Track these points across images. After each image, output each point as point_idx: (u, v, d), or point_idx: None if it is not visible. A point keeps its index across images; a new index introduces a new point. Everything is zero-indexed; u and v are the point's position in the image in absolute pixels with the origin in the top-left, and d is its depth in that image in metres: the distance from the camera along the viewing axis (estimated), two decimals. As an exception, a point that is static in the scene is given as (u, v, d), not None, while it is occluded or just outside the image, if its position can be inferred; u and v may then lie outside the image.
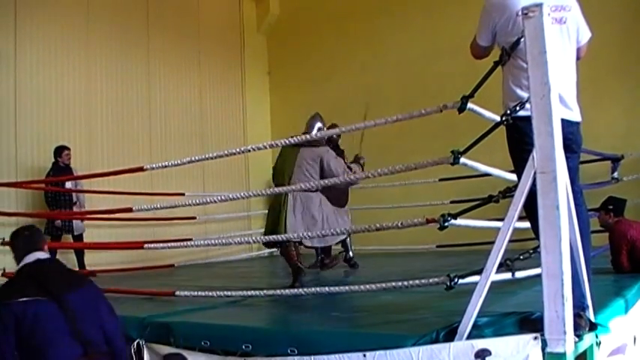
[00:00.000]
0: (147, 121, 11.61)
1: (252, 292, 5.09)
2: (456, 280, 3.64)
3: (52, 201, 9.10)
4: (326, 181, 5.19)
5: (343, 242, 8.16)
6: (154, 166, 6.69)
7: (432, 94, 9.84)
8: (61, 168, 9.17)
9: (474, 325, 2.99)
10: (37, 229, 3.86)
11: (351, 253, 8.20)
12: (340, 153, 8.38)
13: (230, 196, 5.42)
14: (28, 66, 9.75)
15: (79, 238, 9.36)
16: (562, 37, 3.54)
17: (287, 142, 5.34)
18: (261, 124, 14.19)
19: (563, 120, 2.99)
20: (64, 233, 9.20)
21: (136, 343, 4.11)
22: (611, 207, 6.29)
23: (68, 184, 9.24)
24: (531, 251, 3.46)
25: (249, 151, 5.35)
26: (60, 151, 9.28)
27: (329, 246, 7.28)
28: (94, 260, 9.52)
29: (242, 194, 5.54)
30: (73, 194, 9.31)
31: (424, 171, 5.05)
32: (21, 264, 3.51)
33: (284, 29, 14.29)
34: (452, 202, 9.16)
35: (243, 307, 5.01)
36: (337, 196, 7.22)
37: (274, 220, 6.49)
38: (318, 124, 7.18)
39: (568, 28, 3.59)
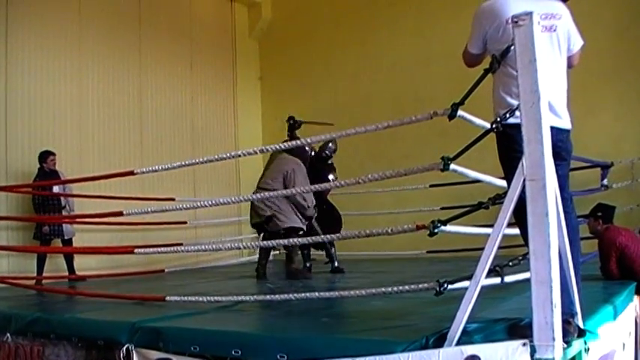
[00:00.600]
0: (138, 125, 11.60)
1: (243, 297, 5.08)
2: (445, 285, 3.65)
3: (39, 206, 9.02)
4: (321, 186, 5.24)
5: (327, 252, 8.29)
6: (144, 170, 6.67)
7: (424, 99, 9.89)
8: (46, 173, 9.11)
9: (464, 331, 3.00)
10: None
11: (336, 263, 8.29)
12: (329, 167, 8.53)
13: (221, 200, 5.40)
14: (20, 69, 9.73)
15: (68, 242, 9.32)
16: (552, 45, 3.57)
17: (278, 147, 5.35)
18: (253, 129, 14.20)
19: (552, 127, 3.01)
20: (54, 238, 9.15)
21: (125, 347, 4.09)
22: (600, 214, 6.32)
23: (56, 189, 9.17)
24: (521, 258, 3.48)
25: (240, 155, 5.34)
26: (45, 156, 9.20)
27: (298, 253, 7.62)
28: (83, 265, 9.49)
29: (232, 199, 5.53)
30: (62, 199, 9.26)
31: (415, 177, 5.06)
32: None
33: (276, 34, 14.32)
34: (442, 209, 9.18)
35: (233, 313, 5.00)
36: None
37: None
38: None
39: (558, 35, 3.61)
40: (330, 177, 8.28)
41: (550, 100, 3.15)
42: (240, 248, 12.17)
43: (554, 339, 2.73)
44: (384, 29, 12.52)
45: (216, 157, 5.50)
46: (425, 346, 3.07)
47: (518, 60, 2.88)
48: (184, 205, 6.63)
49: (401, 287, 4.02)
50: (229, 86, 13.80)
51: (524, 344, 2.79)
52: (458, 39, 4.11)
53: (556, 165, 3.00)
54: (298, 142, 5.21)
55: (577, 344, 3.24)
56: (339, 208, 10.71)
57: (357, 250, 10.66)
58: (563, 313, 2.84)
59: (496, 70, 3.52)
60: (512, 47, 3.01)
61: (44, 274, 8.65)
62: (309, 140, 5.10)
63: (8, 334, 4.99)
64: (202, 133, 12.89)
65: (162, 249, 7.41)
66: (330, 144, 8.52)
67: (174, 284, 8.18)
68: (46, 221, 8.84)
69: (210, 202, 5.72)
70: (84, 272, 9.02)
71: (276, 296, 4.80)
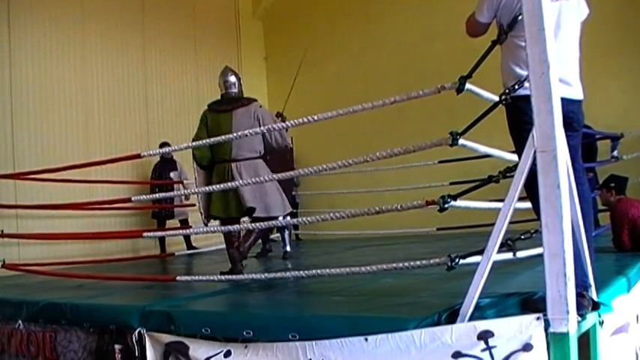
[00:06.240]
0: (144, 109, 11.58)
1: (253, 276, 5.07)
2: (457, 260, 3.61)
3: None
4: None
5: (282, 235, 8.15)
6: (151, 152, 6.66)
7: (430, 75, 9.77)
8: (164, 161, 10.60)
9: (476, 307, 2.97)
10: None
11: (288, 248, 8.20)
12: None
13: (229, 184, 5.38)
14: (23, 56, 9.69)
15: (184, 223, 10.56)
16: (567, 12, 3.49)
17: (287, 125, 5.31)
18: (259, 108, 14.15)
19: (563, 98, 2.95)
20: (168, 218, 10.57)
21: (137, 331, 4.10)
22: (612, 185, 6.27)
23: (172, 176, 10.67)
24: (532, 231, 3.44)
25: (247, 135, 5.30)
26: (161, 147, 10.14)
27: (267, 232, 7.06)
28: (93, 250, 9.52)
29: (241, 182, 5.51)
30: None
31: (423, 153, 5.00)
32: None
33: (280, 14, 14.23)
34: (451, 184, 9.13)
35: (243, 294, 5.01)
36: (280, 161, 7.10)
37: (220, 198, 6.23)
38: (231, 78, 6.78)
39: (572, 4, 3.55)
40: None
41: (561, 70, 3.08)
42: (250, 229, 12.15)
43: (568, 312, 2.70)
44: (387, 6, 12.41)
45: (222, 138, 5.45)
46: (437, 323, 3.05)
47: (526, 29, 2.81)
48: (194, 189, 6.61)
49: (412, 263, 3.98)
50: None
51: (537, 318, 2.76)
52: (462, 15, 4.04)
53: (567, 136, 2.95)
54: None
55: (591, 317, 3.21)
56: (348, 186, 10.69)
57: (367, 228, 10.64)
58: (576, 286, 2.80)
59: (504, 40, 3.47)
60: (520, 17, 2.96)
61: (53, 260, 8.64)
62: (315, 118, 5.02)
63: (20, 321, 5.02)
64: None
65: (172, 232, 7.44)
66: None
67: (184, 267, 8.21)
68: (55, 209, 8.86)
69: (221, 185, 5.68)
70: (93, 257, 9.03)
71: (287, 274, 4.79)
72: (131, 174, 10.71)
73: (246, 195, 6.08)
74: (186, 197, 10.10)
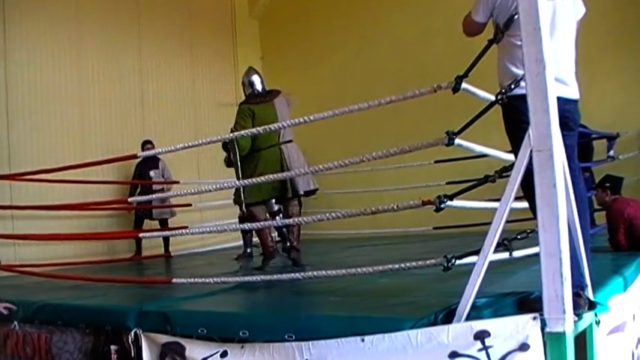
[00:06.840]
0: (140, 109, 11.54)
1: (249, 278, 5.06)
2: (453, 260, 3.61)
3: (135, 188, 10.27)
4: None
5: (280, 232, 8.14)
6: (147, 153, 6.64)
7: (427, 75, 9.75)
8: (145, 159, 10.01)
9: (473, 307, 2.97)
10: None
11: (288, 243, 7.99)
12: None
13: (225, 184, 5.39)
14: (19, 56, 9.64)
15: (164, 223, 10.26)
16: (563, 11, 3.49)
17: (281, 125, 5.30)
18: (255, 109, 14.12)
19: (559, 97, 2.95)
20: (146, 218, 10.16)
21: (133, 332, 4.09)
22: (608, 184, 6.28)
23: (152, 174, 10.30)
24: (529, 231, 3.44)
25: (244, 135, 5.30)
26: (143, 144, 10.15)
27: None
28: (89, 250, 9.49)
29: (238, 182, 5.51)
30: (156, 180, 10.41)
31: (419, 153, 5.00)
32: None
33: (276, 13, 14.18)
34: (448, 184, 9.12)
35: (239, 294, 5.00)
36: None
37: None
38: (256, 77, 7.40)
39: (568, 2, 3.54)
40: None
41: (557, 69, 3.08)
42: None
43: (564, 312, 2.70)
44: (385, 5, 12.39)
45: (219, 137, 5.46)
46: (434, 323, 3.05)
47: (522, 28, 2.81)
48: (191, 190, 6.58)
49: (408, 264, 3.98)
50: (230, 67, 13.68)
51: (534, 318, 2.76)
52: (459, 14, 4.04)
53: (563, 135, 2.95)
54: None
55: (588, 317, 3.21)
56: (345, 186, 10.66)
57: (364, 228, 10.64)
58: (573, 286, 2.80)
59: (500, 40, 3.47)
60: (516, 16, 2.96)
61: (49, 261, 8.62)
62: (311, 118, 5.02)
63: (16, 322, 5.00)
64: (204, 114, 12.81)
65: (168, 233, 7.42)
66: None
67: (180, 267, 8.19)
68: (52, 209, 8.83)
69: (216, 185, 5.67)
70: (89, 258, 9.01)
71: (283, 276, 4.78)
72: (117, 174, 10.67)
73: (300, 181, 6.57)
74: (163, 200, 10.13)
